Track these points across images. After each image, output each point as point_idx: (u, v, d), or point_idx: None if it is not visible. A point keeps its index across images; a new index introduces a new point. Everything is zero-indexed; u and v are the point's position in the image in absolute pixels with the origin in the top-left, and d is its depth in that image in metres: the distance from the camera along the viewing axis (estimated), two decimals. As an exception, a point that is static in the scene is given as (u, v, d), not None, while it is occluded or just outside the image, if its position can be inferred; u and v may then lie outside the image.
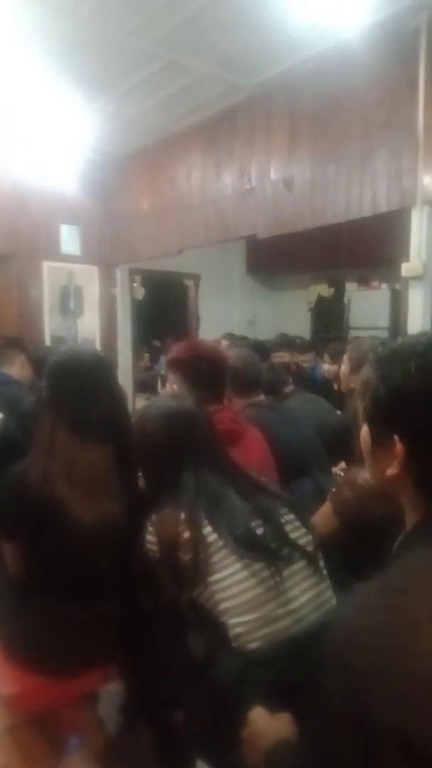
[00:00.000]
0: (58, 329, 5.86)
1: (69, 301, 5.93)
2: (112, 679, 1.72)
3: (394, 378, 0.83)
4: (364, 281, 7.45)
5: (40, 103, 4.53)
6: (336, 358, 4.14)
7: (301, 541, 1.48)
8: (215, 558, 1.37)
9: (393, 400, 0.83)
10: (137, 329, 6.72)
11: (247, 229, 4.52)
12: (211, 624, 1.35)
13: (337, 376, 3.75)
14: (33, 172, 5.45)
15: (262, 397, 2.61)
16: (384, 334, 6.22)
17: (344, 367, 2.77)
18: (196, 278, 7.42)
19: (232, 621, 1.33)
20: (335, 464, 2.36)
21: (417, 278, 3.47)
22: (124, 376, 6.09)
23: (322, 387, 4.41)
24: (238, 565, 1.37)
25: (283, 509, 1.53)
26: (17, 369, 3.27)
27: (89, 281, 6.04)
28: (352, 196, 3.69)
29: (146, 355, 7.88)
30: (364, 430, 0.93)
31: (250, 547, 1.39)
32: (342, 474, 2.11)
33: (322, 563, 1.48)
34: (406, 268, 3.49)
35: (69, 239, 5.87)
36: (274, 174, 4.23)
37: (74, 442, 1.64)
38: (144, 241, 5.66)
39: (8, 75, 4.05)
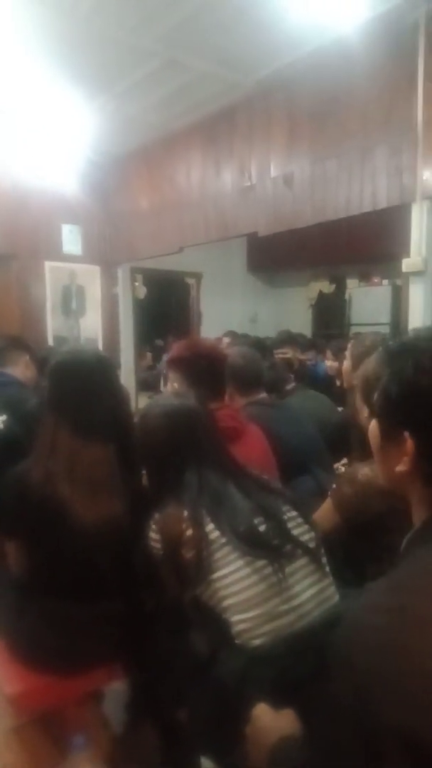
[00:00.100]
0: (61, 329, 5.87)
1: (71, 300, 5.94)
2: (116, 678, 1.72)
3: (406, 373, 0.81)
4: (364, 277, 7.44)
5: (39, 103, 4.53)
6: (338, 355, 4.14)
7: (304, 538, 1.48)
8: (218, 555, 1.37)
9: (404, 396, 0.82)
10: (139, 328, 6.72)
11: (248, 227, 4.52)
12: (213, 621, 1.35)
13: (339, 372, 3.75)
14: (33, 171, 5.45)
15: (263, 394, 2.61)
16: (385, 330, 6.22)
17: (346, 364, 2.77)
18: (197, 277, 7.42)
19: (235, 618, 1.33)
20: (337, 461, 2.36)
21: (417, 274, 3.47)
22: (127, 375, 6.09)
23: (324, 384, 4.40)
24: (240, 563, 1.37)
25: (286, 506, 1.53)
26: (21, 369, 3.23)
27: (91, 281, 6.04)
28: (352, 192, 3.68)
29: (149, 354, 7.88)
30: (373, 426, 0.91)
31: (252, 545, 1.39)
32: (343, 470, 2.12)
33: (324, 560, 1.48)
34: (406, 264, 3.49)
35: (70, 239, 5.88)
36: (273, 171, 4.23)
37: (76, 441, 1.64)
38: (145, 240, 5.66)
39: (8, 74, 4.05)
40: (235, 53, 3.76)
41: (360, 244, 6.39)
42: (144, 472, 1.66)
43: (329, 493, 1.79)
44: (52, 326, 5.83)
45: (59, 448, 1.64)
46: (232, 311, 7.87)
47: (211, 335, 6.25)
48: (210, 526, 1.40)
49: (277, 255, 7.35)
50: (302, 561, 1.43)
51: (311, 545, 1.47)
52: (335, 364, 4.26)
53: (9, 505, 1.65)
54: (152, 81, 4.15)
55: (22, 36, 3.55)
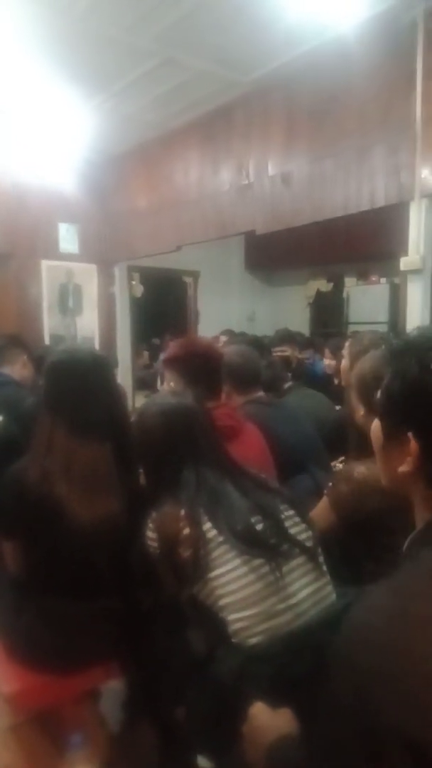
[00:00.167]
0: (57, 328, 5.86)
1: (68, 299, 5.93)
2: (113, 677, 1.72)
3: (410, 372, 0.79)
4: (362, 276, 7.44)
5: (36, 102, 4.52)
6: (336, 353, 4.14)
7: (301, 537, 1.48)
8: (215, 554, 1.38)
9: (408, 396, 0.80)
10: (136, 327, 6.71)
11: (246, 225, 4.52)
12: (211, 620, 1.35)
13: (337, 371, 3.75)
14: (30, 170, 5.44)
15: (261, 393, 2.61)
16: (383, 329, 6.21)
17: (344, 362, 2.77)
18: (195, 275, 7.41)
19: (232, 617, 1.33)
20: (335, 459, 2.36)
21: (416, 272, 3.47)
22: (124, 373, 6.09)
23: (322, 382, 4.40)
24: (237, 561, 1.37)
25: (283, 505, 1.53)
26: (18, 369, 3.22)
27: (88, 279, 6.03)
28: (350, 190, 3.68)
29: (145, 353, 7.86)
30: (375, 425, 0.90)
31: (249, 543, 1.39)
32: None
33: (322, 559, 1.48)
34: (404, 262, 3.49)
35: (67, 237, 5.87)
36: (271, 169, 4.22)
37: (72, 440, 1.64)
38: (142, 239, 5.66)
39: (4, 74, 4.04)
40: (232, 52, 3.76)
41: (358, 243, 6.38)
42: (141, 470, 1.66)
43: (325, 491, 1.79)
44: (49, 325, 5.82)
45: (56, 447, 1.64)
46: (229, 310, 7.86)
47: (208, 334, 6.24)
48: (207, 525, 1.40)
49: (274, 253, 7.35)
50: (299, 560, 1.43)
51: (308, 544, 1.47)
52: (333, 362, 4.26)
53: (6, 505, 1.65)
54: (149, 80, 4.14)
55: (19, 35, 3.54)
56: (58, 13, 3.31)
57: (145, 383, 6.61)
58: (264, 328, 7.44)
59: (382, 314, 6.77)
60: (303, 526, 1.51)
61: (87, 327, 6.07)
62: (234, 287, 8.09)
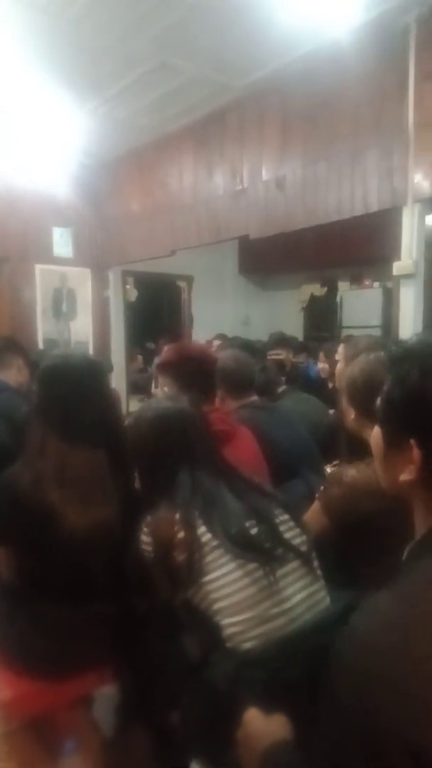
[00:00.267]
0: (51, 332, 5.85)
1: (62, 303, 5.93)
2: (106, 682, 1.71)
3: (411, 379, 0.78)
4: (356, 280, 7.46)
5: (30, 106, 4.52)
6: (330, 357, 4.15)
7: (296, 541, 1.48)
8: (209, 558, 1.37)
9: (410, 403, 0.79)
10: (130, 331, 6.71)
11: (240, 230, 4.53)
12: (205, 625, 1.35)
13: (331, 374, 3.76)
14: (24, 174, 5.45)
15: (255, 397, 2.61)
16: (376, 333, 6.23)
17: (340, 365, 2.77)
18: (189, 279, 7.42)
19: (226, 621, 1.33)
20: (329, 463, 2.37)
21: (408, 276, 3.49)
22: (118, 377, 6.08)
23: (316, 386, 4.41)
24: (232, 565, 1.37)
25: (278, 509, 1.53)
26: (13, 374, 3.14)
27: (82, 284, 6.03)
28: (343, 195, 3.70)
29: (140, 357, 7.87)
30: (376, 432, 0.89)
31: (244, 547, 1.39)
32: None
33: (316, 563, 1.48)
34: (397, 267, 3.50)
35: (61, 242, 5.87)
36: (265, 174, 4.24)
37: (66, 446, 1.63)
38: (136, 243, 5.66)
39: (-2, 78, 4.04)
40: (226, 56, 3.77)
41: (351, 247, 6.41)
42: (136, 474, 1.66)
43: (317, 495, 1.79)
44: (43, 329, 5.81)
45: (49, 452, 1.63)
46: (223, 314, 7.87)
47: (202, 338, 6.25)
48: (202, 529, 1.40)
49: (268, 258, 7.36)
50: (293, 564, 1.43)
51: (303, 549, 1.47)
52: (327, 366, 4.27)
53: (-1, 510, 1.64)
54: (143, 84, 4.15)
55: (13, 40, 3.54)
56: (51, 18, 3.32)
57: (139, 387, 6.61)
58: (258, 332, 7.45)
59: (375, 318, 6.79)
60: (297, 530, 1.51)
61: (81, 331, 6.07)
62: (228, 291, 8.10)
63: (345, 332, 6.83)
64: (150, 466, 1.60)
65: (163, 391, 2.15)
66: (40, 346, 5.61)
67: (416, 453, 0.79)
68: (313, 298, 8.15)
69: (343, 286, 7.65)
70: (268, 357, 4.54)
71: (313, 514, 1.76)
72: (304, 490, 2.19)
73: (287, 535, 1.47)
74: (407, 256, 3.44)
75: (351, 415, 1.79)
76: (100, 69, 3.94)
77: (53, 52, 3.70)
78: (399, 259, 3.49)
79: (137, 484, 1.65)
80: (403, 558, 0.86)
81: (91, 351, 5.88)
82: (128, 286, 6.74)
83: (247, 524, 1.44)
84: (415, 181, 3.29)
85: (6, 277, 5.60)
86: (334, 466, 2.19)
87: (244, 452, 2.05)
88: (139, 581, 1.50)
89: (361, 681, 0.68)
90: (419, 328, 3.51)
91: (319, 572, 1.47)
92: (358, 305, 7.13)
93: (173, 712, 1.44)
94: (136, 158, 5.55)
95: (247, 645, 1.32)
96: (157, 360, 2.90)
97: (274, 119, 4.12)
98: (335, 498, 1.70)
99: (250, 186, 4.36)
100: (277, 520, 1.49)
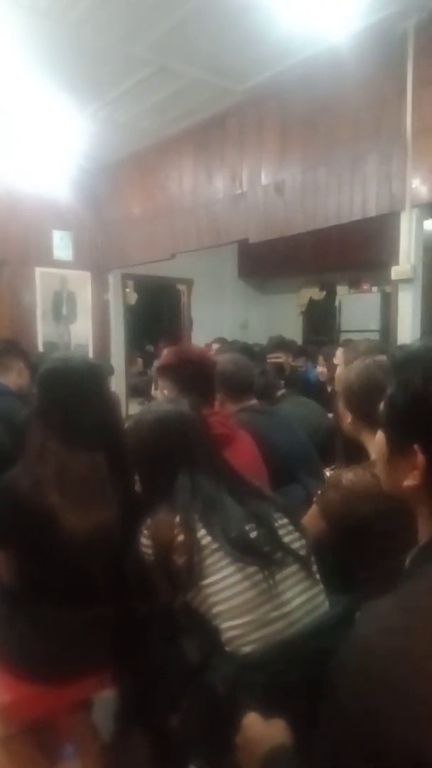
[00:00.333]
0: (51, 335, 5.86)
1: (62, 306, 5.93)
2: (106, 686, 1.71)
3: (414, 384, 0.78)
4: (354, 284, 7.47)
5: (31, 110, 4.53)
6: (329, 361, 4.15)
7: (295, 546, 1.48)
8: (209, 561, 1.37)
9: (414, 408, 0.78)
10: (130, 334, 6.72)
11: (239, 234, 4.54)
12: (204, 628, 1.35)
13: (330, 378, 3.76)
14: (25, 178, 5.46)
15: (254, 401, 2.61)
16: (375, 337, 6.23)
17: (339, 369, 2.78)
18: (188, 283, 7.43)
19: (226, 625, 1.33)
20: (328, 467, 2.37)
21: (406, 281, 3.50)
22: (117, 381, 6.09)
23: (315, 389, 4.42)
24: (231, 568, 1.37)
25: (277, 513, 1.53)
26: (14, 377, 3.10)
27: (82, 287, 6.04)
28: (342, 199, 3.71)
29: (139, 360, 7.87)
30: (380, 437, 0.88)
31: (243, 551, 1.39)
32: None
33: (315, 568, 1.48)
34: (395, 272, 3.51)
35: (61, 245, 5.88)
36: (265, 178, 4.25)
37: (65, 449, 1.64)
38: (136, 247, 5.67)
39: (-1, 81, 4.05)
40: (226, 61, 3.79)
41: (350, 252, 6.42)
42: (136, 477, 1.66)
43: (314, 499, 1.79)
44: (43, 332, 5.82)
45: (48, 455, 1.63)
46: (223, 317, 7.88)
47: (201, 341, 6.25)
48: (202, 532, 1.40)
49: (267, 262, 7.38)
50: (293, 568, 1.43)
51: (302, 553, 1.47)
52: (325, 370, 4.27)
53: (-1, 513, 1.64)
54: (144, 88, 4.16)
55: (14, 43, 3.55)
56: (52, 22, 3.33)
57: (138, 390, 6.61)
58: (257, 335, 7.45)
59: (373, 322, 6.80)
60: (296, 534, 1.51)
61: (81, 334, 6.07)
62: (227, 295, 8.11)
63: (343, 336, 6.83)
64: (150, 469, 1.60)
65: (162, 394, 2.15)
66: (40, 349, 5.61)
67: (420, 458, 0.78)
68: (311, 302, 8.16)
69: (341, 291, 7.66)
70: (268, 360, 4.54)
71: (311, 517, 1.76)
72: (302, 494, 2.20)
73: (286, 539, 1.47)
74: (405, 261, 3.45)
75: (347, 418, 1.80)
76: (101, 72, 3.96)
77: (54, 56, 3.71)
78: (397, 263, 3.50)
79: (137, 487, 1.65)
80: (406, 563, 0.86)
81: (90, 354, 5.89)
82: (128, 290, 6.75)
83: (247, 528, 1.44)
84: (414, 186, 3.30)
85: (6, 280, 5.61)
86: (333, 469, 2.19)
87: (244, 456, 2.05)
88: (139, 584, 1.50)
89: (361, 682, 0.68)
90: (417, 333, 3.52)
91: (318, 576, 1.47)
92: (357, 309, 7.14)
93: (173, 716, 1.44)
94: (136, 162, 5.57)
95: (247, 649, 1.32)
96: (156, 363, 2.90)
97: (274, 124, 4.14)
98: (333, 501, 1.70)
99: (250, 190, 4.37)
100: (277, 524, 1.49)
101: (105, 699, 1.74)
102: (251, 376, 2.64)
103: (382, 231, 4.03)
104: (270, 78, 3.94)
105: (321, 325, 7.87)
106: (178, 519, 1.42)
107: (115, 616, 1.62)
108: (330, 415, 3.22)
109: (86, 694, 1.72)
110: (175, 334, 7.73)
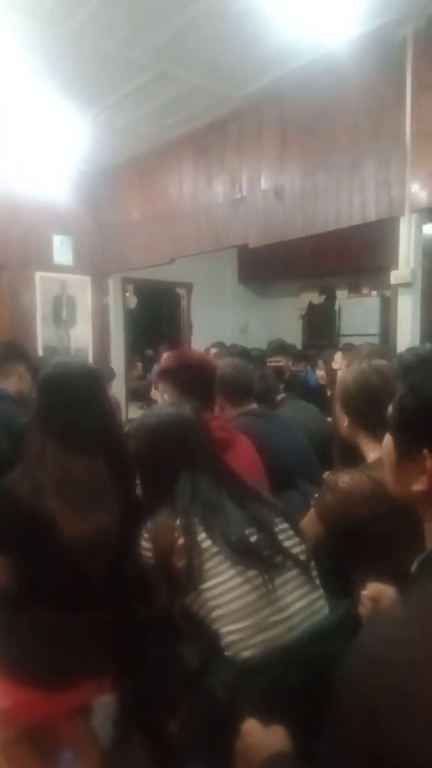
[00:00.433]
0: (51, 339, 5.86)
1: (61, 310, 5.94)
2: (105, 692, 1.70)
3: (424, 389, 0.77)
4: (354, 289, 7.48)
5: (31, 114, 4.54)
6: (328, 365, 4.16)
7: (295, 550, 1.48)
8: (209, 564, 1.38)
9: (423, 413, 0.78)
10: (130, 338, 6.72)
11: (239, 238, 4.55)
12: (203, 632, 1.35)
13: (330, 382, 3.77)
14: (25, 182, 5.46)
15: (254, 405, 2.61)
16: (375, 341, 6.25)
17: (340, 373, 2.78)
18: (188, 287, 7.43)
19: (225, 629, 1.33)
20: (327, 471, 2.37)
21: (406, 285, 3.50)
22: (117, 385, 6.08)
23: (315, 393, 4.42)
24: (231, 572, 1.37)
25: (277, 518, 1.53)
26: (15, 382, 3.02)
27: (82, 291, 6.04)
28: (341, 204, 3.72)
29: (139, 364, 7.88)
30: (388, 441, 0.88)
31: (243, 554, 1.39)
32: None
33: (315, 572, 1.48)
34: (395, 276, 3.52)
35: (61, 249, 5.89)
36: (264, 183, 4.26)
37: (65, 453, 1.64)
38: (136, 251, 5.68)
39: (0, 86, 4.07)
40: (226, 67, 3.80)
41: (349, 256, 6.43)
42: (138, 481, 1.66)
43: (312, 502, 1.79)
44: (43, 336, 5.82)
45: (48, 459, 1.63)
46: (222, 321, 7.88)
47: (201, 346, 6.26)
48: (202, 535, 1.41)
49: (267, 266, 7.38)
50: (292, 573, 1.43)
51: (302, 557, 1.47)
52: (325, 374, 4.28)
53: (-2, 517, 1.64)
54: (144, 93, 4.17)
55: (14, 48, 3.56)
56: (54, 27, 3.34)
57: (138, 394, 6.61)
58: (257, 339, 7.46)
59: (373, 326, 6.81)
60: (296, 539, 1.51)
61: (81, 338, 6.07)
62: (227, 299, 8.11)
63: (343, 340, 6.84)
64: (151, 472, 1.60)
65: (163, 398, 2.15)
66: (40, 353, 5.61)
67: (429, 464, 0.78)
68: (311, 307, 8.17)
69: (341, 295, 7.66)
70: (268, 364, 4.55)
71: (309, 521, 1.76)
72: (299, 500, 2.19)
73: (286, 544, 1.48)
74: (405, 265, 3.45)
75: (344, 422, 1.80)
76: (101, 77, 3.97)
77: (55, 61, 3.72)
78: (396, 268, 3.50)
79: (138, 491, 1.65)
80: (413, 569, 0.85)
81: (90, 358, 5.89)
82: (128, 294, 6.76)
83: (247, 532, 1.45)
84: (413, 191, 3.31)
85: (6, 284, 5.61)
86: (331, 473, 2.19)
87: (244, 460, 2.05)
88: (139, 587, 1.50)
89: (364, 692, 0.68)
90: (417, 337, 3.52)
91: (318, 581, 1.48)
92: (356, 313, 7.15)
93: (172, 721, 1.44)
94: (136, 166, 5.58)
95: (246, 653, 1.32)
96: (156, 367, 2.90)
97: (274, 129, 4.15)
98: (330, 505, 1.70)
99: (250, 195, 4.38)
100: (277, 529, 1.50)
101: (104, 704, 1.73)
102: (251, 380, 2.65)
103: (382, 235, 4.05)
104: (269, 84, 3.95)
105: (321, 329, 7.88)
106: (178, 522, 1.42)
107: (114, 620, 1.62)
108: (330, 419, 3.22)
109: (85, 699, 1.71)
110: (175, 338, 7.74)
